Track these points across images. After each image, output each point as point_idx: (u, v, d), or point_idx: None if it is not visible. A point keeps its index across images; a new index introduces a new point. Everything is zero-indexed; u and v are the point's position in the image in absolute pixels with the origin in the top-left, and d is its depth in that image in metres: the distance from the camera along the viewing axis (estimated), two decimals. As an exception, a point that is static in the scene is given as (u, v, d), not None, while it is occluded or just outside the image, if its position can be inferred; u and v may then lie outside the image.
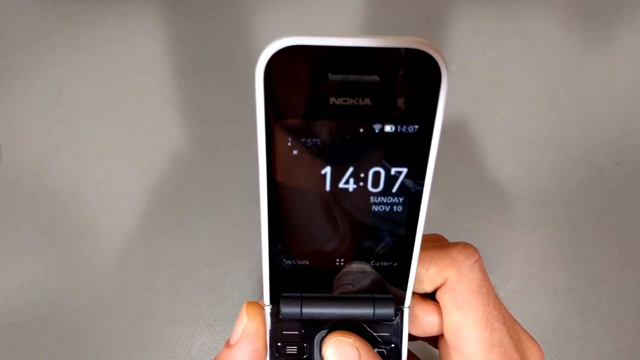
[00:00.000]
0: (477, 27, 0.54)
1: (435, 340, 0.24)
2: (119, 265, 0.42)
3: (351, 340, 0.21)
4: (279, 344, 0.22)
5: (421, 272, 0.22)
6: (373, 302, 0.21)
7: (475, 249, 0.22)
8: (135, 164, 0.46)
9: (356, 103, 0.17)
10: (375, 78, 0.17)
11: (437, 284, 0.22)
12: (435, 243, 0.23)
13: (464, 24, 0.54)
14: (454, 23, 0.54)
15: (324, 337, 0.22)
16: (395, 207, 0.20)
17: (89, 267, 0.41)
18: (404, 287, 0.21)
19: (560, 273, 0.42)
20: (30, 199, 0.44)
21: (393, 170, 0.19)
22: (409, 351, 0.23)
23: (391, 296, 0.21)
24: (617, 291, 0.41)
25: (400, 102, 0.17)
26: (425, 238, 0.21)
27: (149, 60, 0.51)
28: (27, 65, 0.50)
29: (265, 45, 0.16)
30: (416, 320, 0.23)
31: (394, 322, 0.22)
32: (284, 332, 0.22)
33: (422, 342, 0.26)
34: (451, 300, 0.22)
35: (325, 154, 0.18)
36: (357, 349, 0.21)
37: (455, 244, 0.23)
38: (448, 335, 0.22)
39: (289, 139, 0.18)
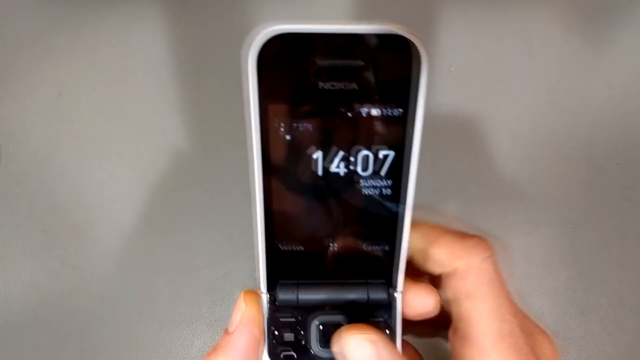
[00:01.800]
0: (477, 27, 0.54)
1: (447, 335, 0.24)
2: (119, 265, 0.42)
3: (371, 336, 0.21)
4: (276, 331, 0.22)
5: (434, 253, 0.22)
6: (367, 286, 0.22)
7: (490, 244, 0.23)
8: (135, 164, 0.46)
9: (343, 87, 0.18)
10: (360, 63, 0.17)
11: (446, 269, 0.22)
12: (456, 231, 0.23)
13: (464, 23, 0.54)
14: (454, 23, 0.54)
15: (338, 330, 0.21)
16: (384, 190, 0.20)
17: (89, 267, 0.41)
18: (397, 272, 0.22)
19: (560, 273, 0.42)
20: (30, 199, 0.44)
21: (381, 154, 0.19)
22: (405, 341, 0.24)
23: (384, 281, 0.22)
24: (617, 291, 0.41)
25: (384, 85, 0.18)
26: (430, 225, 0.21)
27: (149, 60, 0.51)
28: (27, 66, 0.50)
29: (255, 34, 0.17)
30: (408, 302, 0.23)
31: (388, 306, 0.22)
32: (280, 319, 0.22)
33: (435, 338, 0.26)
34: (462, 290, 0.22)
35: (315, 139, 0.19)
36: (375, 344, 0.21)
37: (472, 236, 0.23)
38: (458, 325, 0.22)
39: (280, 124, 0.18)
